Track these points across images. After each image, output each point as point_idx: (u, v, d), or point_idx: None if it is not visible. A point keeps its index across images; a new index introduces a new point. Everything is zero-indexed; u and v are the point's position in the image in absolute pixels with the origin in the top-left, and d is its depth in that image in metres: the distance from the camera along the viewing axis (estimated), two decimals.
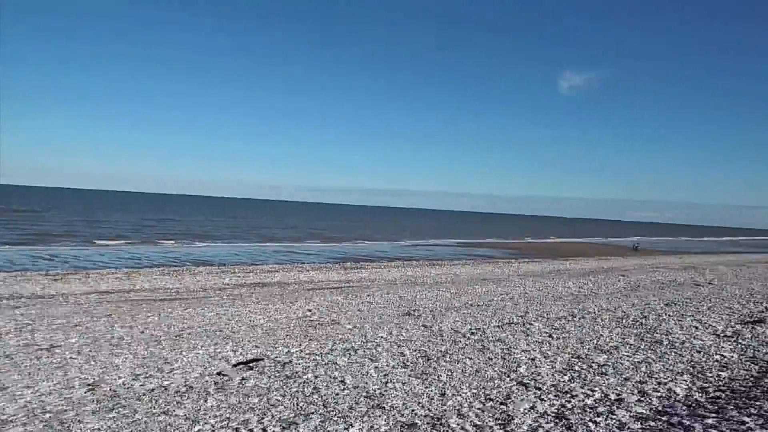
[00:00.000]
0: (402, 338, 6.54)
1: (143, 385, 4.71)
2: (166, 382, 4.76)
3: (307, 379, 4.72)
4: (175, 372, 5.14)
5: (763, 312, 7.99)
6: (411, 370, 4.93)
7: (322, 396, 4.24)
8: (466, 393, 4.26)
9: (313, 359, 5.45)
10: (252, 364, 5.29)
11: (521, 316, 8.12)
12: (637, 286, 14.16)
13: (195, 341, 6.77)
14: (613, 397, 4.08)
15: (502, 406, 3.95)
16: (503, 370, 4.88)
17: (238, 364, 5.34)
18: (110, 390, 4.58)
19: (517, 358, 5.33)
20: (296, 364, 5.26)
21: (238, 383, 4.64)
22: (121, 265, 23.09)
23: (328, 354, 5.68)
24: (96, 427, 3.69)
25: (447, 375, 4.76)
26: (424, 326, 7.50)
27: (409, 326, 7.54)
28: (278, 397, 4.23)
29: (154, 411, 3.98)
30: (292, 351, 5.92)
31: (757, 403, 3.75)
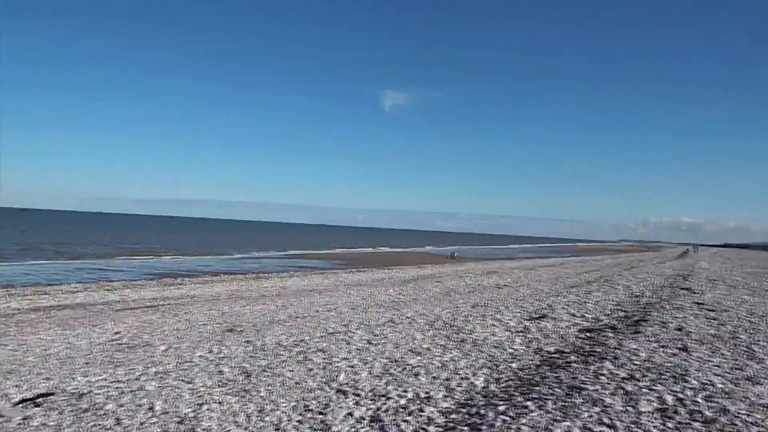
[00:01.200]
0: (222, 356, 6.26)
1: None
2: None
3: (108, 410, 4.25)
4: None
5: (545, 309, 9.31)
6: (229, 389, 4.74)
7: (124, 427, 3.85)
8: (285, 406, 4.22)
9: (118, 387, 4.93)
10: (39, 399, 4.59)
11: (344, 326, 8.33)
12: (450, 290, 15.48)
13: None
14: (423, 395, 4.39)
15: (320, 416, 4.00)
16: (324, 380, 4.95)
17: (22, 401, 4.61)
18: None
19: (337, 366, 5.44)
20: (96, 394, 4.70)
21: (19, 424, 3.99)
22: None
23: (136, 380, 5.19)
24: None
25: (267, 390, 4.67)
26: (247, 342, 7.28)
27: (231, 343, 7.26)
28: None
29: None
30: (92, 380, 5.29)
31: (537, 388, 4.35)
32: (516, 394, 4.27)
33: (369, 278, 23.82)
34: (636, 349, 5.48)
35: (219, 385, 4.89)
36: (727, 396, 4.02)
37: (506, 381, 4.73)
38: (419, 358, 5.71)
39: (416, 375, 5.03)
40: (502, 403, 4.04)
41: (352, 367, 5.40)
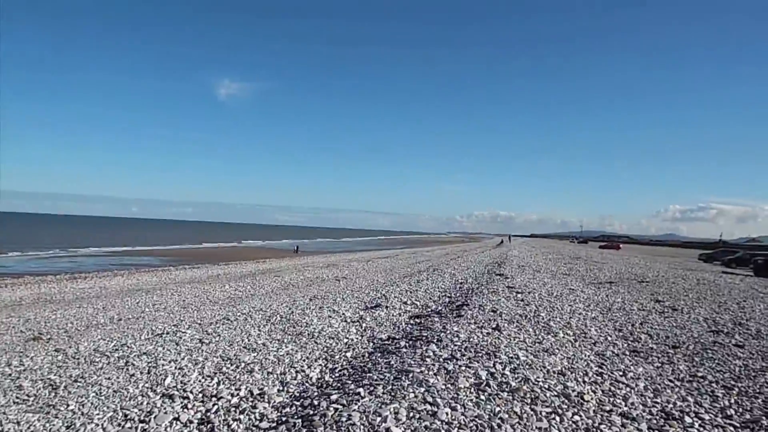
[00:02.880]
0: (22, 368, 5.46)
1: None
2: None
3: None
4: None
5: (380, 298, 9.73)
6: (29, 406, 4.15)
7: None
8: (100, 418, 3.83)
9: None
10: None
11: (175, 325, 7.82)
12: (289, 284, 15.39)
13: None
14: (257, 392, 4.30)
15: (142, 425, 3.70)
16: (148, 385, 4.59)
17: None
18: None
19: (164, 369, 5.08)
20: None
21: None
22: None
23: None
24: None
25: (78, 403, 4.19)
26: (57, 350, 6.46)
27: (37, 352, 6.37)
28: None
29: None
30: None
31: (369, 375, 4.53)
32: (349, 382, 4.39)
33: (204, 275, 22.62)
34: (457, 331, 5.99)
35: (16, 402, 4.26)
36: (528, 367, 4.60)
37: (340, 370, 4.85)
38: (254, 354, 5.59)
39: (250, 372, 4.91)
40: (335, 392, 4.13)
41: (180, 369, 5.09)
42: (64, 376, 4.99)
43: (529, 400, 3.77)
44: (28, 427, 3.69)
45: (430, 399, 3.68)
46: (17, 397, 4.37)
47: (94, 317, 10.17)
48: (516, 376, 4.32)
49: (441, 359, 4.75)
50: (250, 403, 4.03)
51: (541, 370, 4.56)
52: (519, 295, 9.65)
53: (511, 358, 4.88)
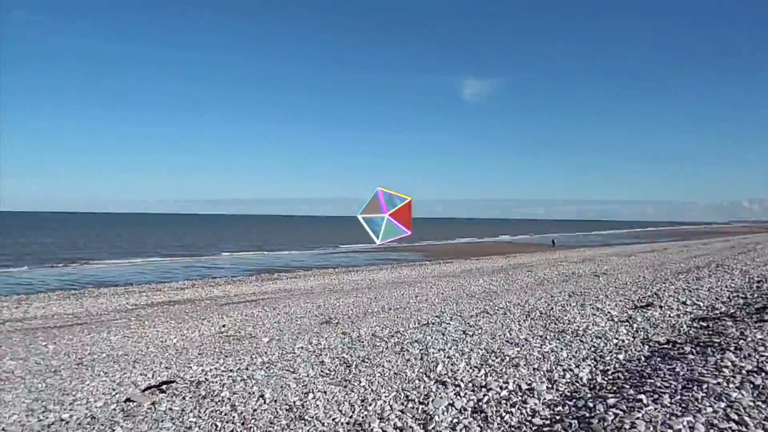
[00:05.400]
0: (321, 347, 6.48)
1: (39, 421, 4.32)
2: (66, 415, 4.39)
3: (223, 396, 4.54)
4: (76, 403, 4.76)
5: (651, 297, 8.75)
6: (331, 379, 4.90)
7: (240, 413, 4.09)
8: (386, 396, 4.29)
9: (230, 376, 5.26)
10: (164, 386, 5.00)
11: (437, 316, 8.33)
12: (543, 280, 15.01)
13: (99, 368, 6.30)
14: (525, 387, 4.29)
15: (422, 406, 4.02)
16: (422, 371, 4.97)
17: (148, 388, 5.04)
18: (2, 430, 4.15)
19: (434, 357, 5.45)
20: (211, 382, 5.04)
21: (149, 408, 4.37)
22: (10, 291, 21.01)
23: (245, 369, 5.51)
24: None
25: (367, 380, 4.77)
26: (344, 333, 7.49)
27: (329, 334, 7.49)
28: (193, 419, 4.03)
29: None
30: (206, 369, 5.68)
31: (650, 381, 4.10)
32: (626, 386, 4.05)
33: (456, 269, 23.64)
34: (762, 339, 5.00)
35: (321, 375, 5.07)
36: None
37: (613, 373, 4.51)
38: (517, 349, 5.58)
39: (516, 366, 4.92)
40: (611, 395, 3.85)
41: (449, 357, 5.39)
42: (353, 356, 5.76)
43: None
44: (333, 397, 4.35)
45: (735, 416, 3.14)
46: (321, 371, 5.20)
47: (368, 306, 11.50)
48: None
49: (743, 371, 4.03)
50: (520, 398, 4.03)
51: None
52: None
53: None
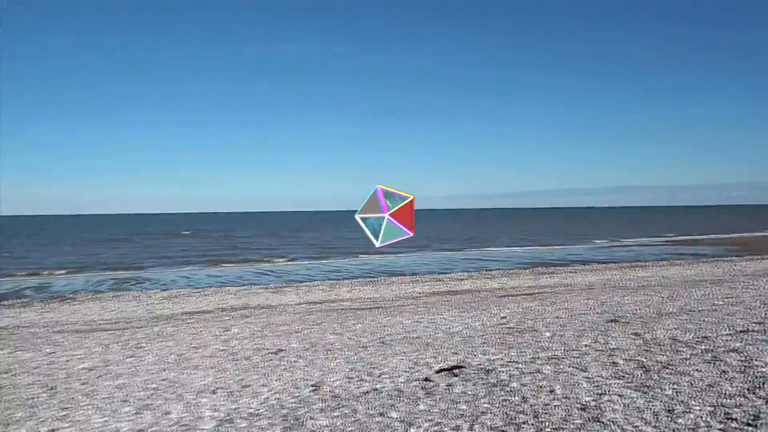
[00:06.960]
0: (611, 347, 6.04)
1: (357, 388, 5.07)
2: (378, 386, 5.06)
3: (513, 387, 4.61)
4: (383, 376, 5.44)
5: None
6: (627, 382, 4.51)
7: (531, 405, 4.10)
8: (700, 410, 3.75)
9: (516, 367, 5.32)
10: (455, 370, 5.35)
11: (759, 323, 6.93)
12: None
13: (397, 347, 7.09)
14: None
15: (750, 428, 3.38)
16: (745, 386, 4.19)
17: (441, 370, 5.46)
18: (330, 391, 5.02)
19: (762, 372, 4.53)
20: (500, 371, 5.18)
21: (445, 389, 4.73)
22: (324, 277, 25.42)
23: (531, 362, 5.49)
24: (324, 423, 4.08)
25: (672, 389, 4.25)
26: (635, 334, 6.84)
27: (617, 334, 6.94)
28: (486, 405, 4.20)
29: (371, 412, 4.26)
30: (492, 358, 5.86)
31: None
32: None
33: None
34: None
35: (615, 377, 4.72)
36: None
37: None
38: None
39: None
40: None
41: None
42: (651, 360, 5.20)
43: None
44: (632, 402, 4.00)
45: None
46: (614, 373, 4.84)
47: (662, 305, 10.25)
48: None
49: None
50: None
51: None
52: None
53: None
